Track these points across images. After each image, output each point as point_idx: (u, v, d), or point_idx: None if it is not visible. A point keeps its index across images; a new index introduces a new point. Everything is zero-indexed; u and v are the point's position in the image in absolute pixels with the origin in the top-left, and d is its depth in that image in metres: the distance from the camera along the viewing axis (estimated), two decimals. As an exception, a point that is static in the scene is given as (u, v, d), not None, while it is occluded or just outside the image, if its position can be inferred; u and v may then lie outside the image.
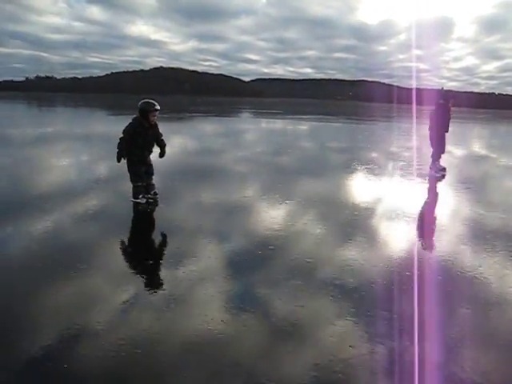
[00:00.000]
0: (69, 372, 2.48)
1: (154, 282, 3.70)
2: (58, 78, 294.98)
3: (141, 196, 5.96)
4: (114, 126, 17.84)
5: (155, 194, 6.18)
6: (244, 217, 5.71)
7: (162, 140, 6.09)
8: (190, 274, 3.83)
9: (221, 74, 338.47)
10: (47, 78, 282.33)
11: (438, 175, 9.10)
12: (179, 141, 14.66)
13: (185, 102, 75.23)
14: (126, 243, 4.68)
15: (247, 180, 8.22)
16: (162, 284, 3.65)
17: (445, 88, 10.43)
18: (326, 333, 3.00)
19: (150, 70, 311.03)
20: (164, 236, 4.90)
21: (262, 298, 3.47)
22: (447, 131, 9.28)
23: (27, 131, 16.68)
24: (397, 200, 6.85)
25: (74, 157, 10.37)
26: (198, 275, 3.82)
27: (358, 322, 3.13)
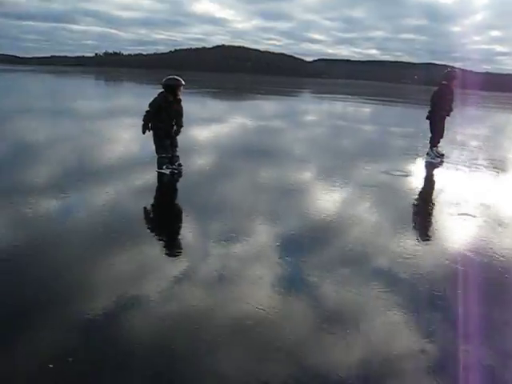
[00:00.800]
0: (117, 342, 2.57)
1: (205, 258, 3.74)
2: (124, 53, 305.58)
3: (164, 167, 6.22)
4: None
5: (179, 165, 6.41)
6: (299, 199, 5.64)
7: (182, 120, 6.34)
8: (241, 253, 3.84)
9: (282, 54, 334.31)
10: (115, 54, 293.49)
11: (435, 161, 8.56)
12: (239, 119, 14.72)
13: (247, 80, 75.29)
14: (179, 218, 4.78)
15: (304, 161, 8.10)
16: (212, 260, 3.69)
17: (451, 69, 9.30)
18: (376, 325, 2.89)
19: (213, 47, 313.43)
20: (217, 213, 4.94)
21: (311, 282, 3.41)
22: (448, 114, 8.63)
23: (94, 104, 17.45)
24: (457, 189, 6.46)
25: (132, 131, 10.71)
26: (248, 255, 3.82)
27: (413, 316, 2.99)
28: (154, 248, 3.90)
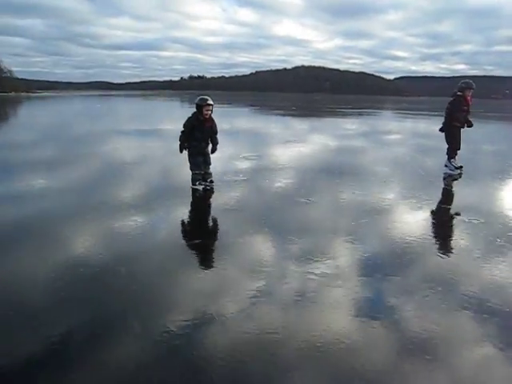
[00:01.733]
0: (191, 358, 2.61)
1: (284, 277, 3.70)
2: (207, 77, 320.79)
3: (197, 183, 6.46)
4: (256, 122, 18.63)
5: (211, 181, 6.62)
6: (382, 219, 5.43)
7: (216, 138, 6.53)
8: (320, 274, 3.75)
9: (362, 72, 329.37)
10: (199, 77, 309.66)
11: (453, 173, 8.54)
12: (320, 139, 14.66)
13: (324, 100, 75.12)
14: (260, 236, 4.81)
15: (387, 181, 7.81)
16: (291, 280, 3.64)
17: (468, 80, 8.67)
18: (465, 358, 2.65)
19: (292, 68, 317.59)
20: (297, 232, 4.89)
21: (393, 307, 3.22)
22: (463, 126, 8.58)
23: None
24: None
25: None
26: (328, 275, 3.73)
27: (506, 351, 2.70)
28: (234, 265, 3.95)
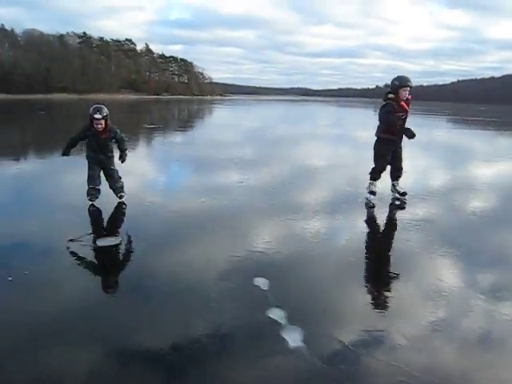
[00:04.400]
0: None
1: (468, 313, 3.33)
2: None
3: (88, 198, 5.63)
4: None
5: (120, 197, 5.81)
6: None
7: (123, 145, 5.68)
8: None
9: None
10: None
11: (370, 199, 6.24)
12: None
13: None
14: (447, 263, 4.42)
15: None
16: (477, 318, 3.25)
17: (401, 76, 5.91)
18: None
19: (501, 77, 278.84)
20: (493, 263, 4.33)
21: None
22: (398, 139, 6.03)
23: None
24: None
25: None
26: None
27: None
28: (407, 288, 3.74)
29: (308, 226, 5.13)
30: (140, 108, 43.43)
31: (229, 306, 3.19)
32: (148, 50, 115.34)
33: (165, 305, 3.18)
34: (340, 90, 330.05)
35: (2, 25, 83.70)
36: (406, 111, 5.78)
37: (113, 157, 5.69)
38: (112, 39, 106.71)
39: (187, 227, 5.10)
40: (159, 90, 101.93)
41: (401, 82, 5.71)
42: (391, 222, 5.74)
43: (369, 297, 3.53)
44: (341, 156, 11.65)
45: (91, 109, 5.37)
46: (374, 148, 6.16)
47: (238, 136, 16.06)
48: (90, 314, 3.05)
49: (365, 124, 22.85)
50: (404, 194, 6.24)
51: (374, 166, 6.18)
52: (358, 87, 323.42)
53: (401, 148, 6.10)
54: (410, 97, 5.81)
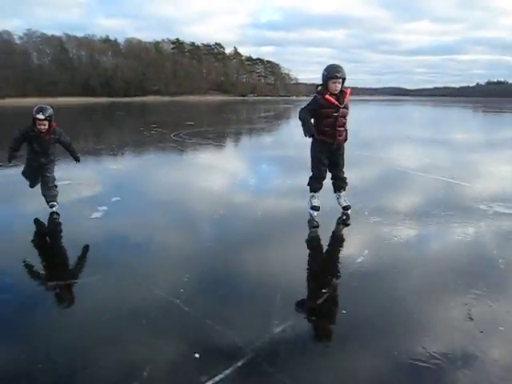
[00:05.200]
0: None
1: None
2: (509, 82, 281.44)
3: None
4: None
5: (51, 206, 5.08)
6: None
7: (70, 147, 5.26)
8: None
9: None
10: (498, 82, 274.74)
11: (311, 214, 4.76)
12: None
13: None
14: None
15: None
16: None
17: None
18: None
19: None
20: None
21: None
22: (328, 141, 4.60)
23: (474, 136, 16.36)
24: None
25: None
26: None
27: None
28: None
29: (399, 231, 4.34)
30: (227, 108, 44.41)
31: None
32: (236, 53, 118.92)
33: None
34: (436, 89, 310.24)
35: (107, 36, 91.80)
36: (338, 107, 4.56)
37: (53, 161, 5.27)
38: (203, 43, 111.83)
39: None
40: (245, 91, 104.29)
41: (329, 73, 4.54)
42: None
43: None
44: (438, 158, 10.43)
45: (34, 109, 5.05)
46: (310, 151, 4.96)
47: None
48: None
49: (464, 126, 20.89)
50: (346, 207, 4.98)
51: (311, 173, 4.98)
52: (456, 85, 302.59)
53: (342, 153, 4.88)
54: (347, 90, 4.67)
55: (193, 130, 16.40)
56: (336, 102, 4.51)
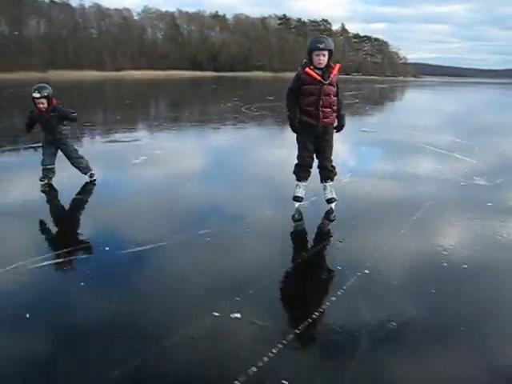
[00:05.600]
0: None
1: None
2: None
3: (40, 178, 5.32)
4: None
5: (91, 174, 5.48)
6: None
7: (71, 118, 5.26)
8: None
9: None
10: None
11: (295, 205, 4.26)
12: None
13: None
14: None
15: None
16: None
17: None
18: None
19: None
20: None
21: None
22: (311, 123, 4.00)
23: None
24: None
25: None
26: None
27: None
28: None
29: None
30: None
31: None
32: (343, 30, 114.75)
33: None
34: None
35: (216, 11, 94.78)
36: (321, 83, 3.91)
37: (62, 138, 5.33)
38: (309, 20, 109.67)
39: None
40: (349, 69, 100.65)
41: (311, 45, 3.91)
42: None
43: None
44: None
45: (32, 88, 5.17)
46: (297, 138, 4.33)
47: (433, 121, 14.03)
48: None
49: None
50: (331, 200, 4.29)
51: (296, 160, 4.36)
52: None
53: (328, 139, 4.18)
54: (336, 65, 4.00)
55: (268, 105, 16.82)
56: (319, 78, 3.92)
